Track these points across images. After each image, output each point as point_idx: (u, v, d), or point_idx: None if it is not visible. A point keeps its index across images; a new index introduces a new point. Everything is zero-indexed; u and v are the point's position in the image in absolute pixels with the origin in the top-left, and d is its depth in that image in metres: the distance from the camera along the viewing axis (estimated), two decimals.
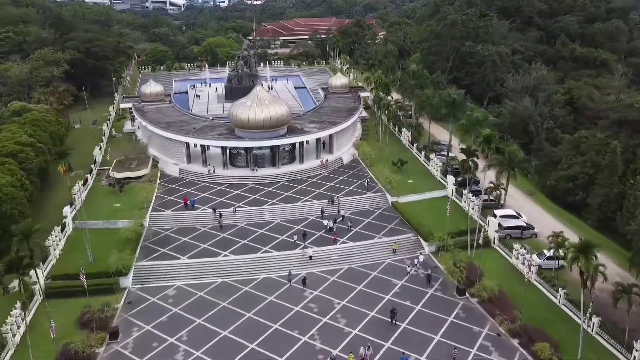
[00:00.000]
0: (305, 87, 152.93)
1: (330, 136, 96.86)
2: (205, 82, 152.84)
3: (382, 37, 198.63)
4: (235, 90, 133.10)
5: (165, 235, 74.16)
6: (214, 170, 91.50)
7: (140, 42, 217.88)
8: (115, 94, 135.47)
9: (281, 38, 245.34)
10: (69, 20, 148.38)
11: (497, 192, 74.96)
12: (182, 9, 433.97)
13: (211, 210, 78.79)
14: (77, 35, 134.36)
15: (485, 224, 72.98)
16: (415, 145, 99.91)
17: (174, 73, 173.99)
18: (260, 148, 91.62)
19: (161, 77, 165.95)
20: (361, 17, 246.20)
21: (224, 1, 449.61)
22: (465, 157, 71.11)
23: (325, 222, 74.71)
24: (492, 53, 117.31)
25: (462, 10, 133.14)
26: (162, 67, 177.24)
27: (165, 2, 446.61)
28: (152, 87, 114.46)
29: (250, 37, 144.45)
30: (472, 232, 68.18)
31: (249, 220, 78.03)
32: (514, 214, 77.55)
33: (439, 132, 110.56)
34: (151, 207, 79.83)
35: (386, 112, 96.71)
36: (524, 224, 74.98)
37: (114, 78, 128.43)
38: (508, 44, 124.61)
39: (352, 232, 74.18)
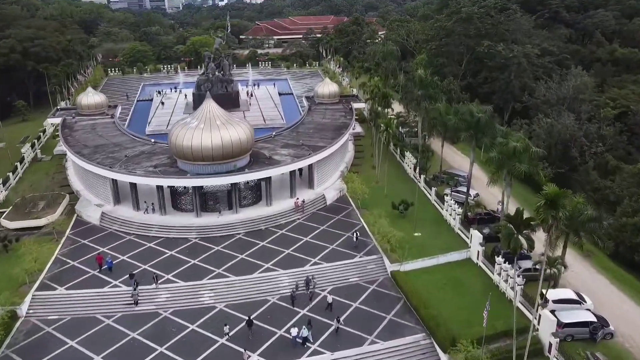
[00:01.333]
0: (291, 94, 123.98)
1: (310, 166, 68.15)
2: (176, 88, 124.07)
3: (382, 36, 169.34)
4: (203, 100, 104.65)
5: (45, 335, 45.69)
6: (152, 210, 63.24)
7: (123, 41, 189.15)
8: (64, 103, 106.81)
9: (275, 37, 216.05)
10: (7, 15, 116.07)
11: (554, 269, 46.10)
12: (180, 7, 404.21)
13: (131, 281, 50.68)
14: (15, 33, 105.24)
15: (534, 315, 44.53)
16: (423, 176, 71.02)
17: (146, 76, 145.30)
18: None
19: (129, 81, 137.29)
20: (360, 15, 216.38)
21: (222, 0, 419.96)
22: (512, 228, 41.10)
23: (293, 331, 44.71)
24: (518, 54, 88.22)
25: (478, 2, 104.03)
26: (134, 69, 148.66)
27: (164, 0, 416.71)
28: (90, 97, 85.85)
29: (221, 35, 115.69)
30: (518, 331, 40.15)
31: (179, 303, 49.49)
32: (574, 296, 48.85)
33: (455, 157, 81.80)
34: (39, 281, 51.48)
35: (385, 133, 67.41)
36: (593, 317, 46.19)
37: (63, 84, 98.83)
38: (535, 43, 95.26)
39: (338, 329, 45.59)
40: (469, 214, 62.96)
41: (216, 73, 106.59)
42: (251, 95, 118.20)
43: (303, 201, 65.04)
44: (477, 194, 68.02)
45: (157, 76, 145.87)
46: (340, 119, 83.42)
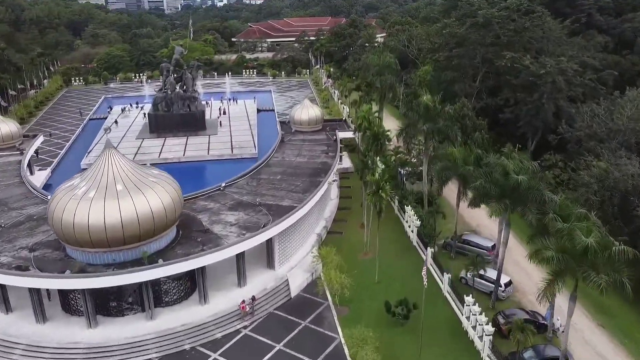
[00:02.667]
0: (272, 110, 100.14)
1: (270, 239, 44.39)
2: (137, 103, 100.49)
3: (381, 39, 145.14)
4: (162, 120, 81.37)
5: None
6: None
7: (109, 44, 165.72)
8: None
9: (269, 40, 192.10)
10: None
11: None
12: (180, 8, 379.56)
13: None
14: None
15: None
16: (430, 250, 47.21)
17: (113, 87, 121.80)
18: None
19: (91, 93, 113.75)
20: (358, 16, 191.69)
21: (222, 0, 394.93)
22: None
23: None
24: (552, 70, 64.19)
25: (498, 3, 79.69)
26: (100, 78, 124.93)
27: (162, 1, 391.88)
28: None
29: (182, 44, 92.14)
30: None
31: None
32: None
33: (475, 213, 57.66)
34: None
35: (375, 197, 43.05)
36: None
37: None
38: (570, 54, 71.02)
39: None
40: (500, 319, 39.44)
41: (177, 89, 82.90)
42: (224, 112, 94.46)
43: (253, 299, 41.42)
44: (510, 283, 44.28)
45: (126, 86, 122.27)
46: (320, 157, 59.72)
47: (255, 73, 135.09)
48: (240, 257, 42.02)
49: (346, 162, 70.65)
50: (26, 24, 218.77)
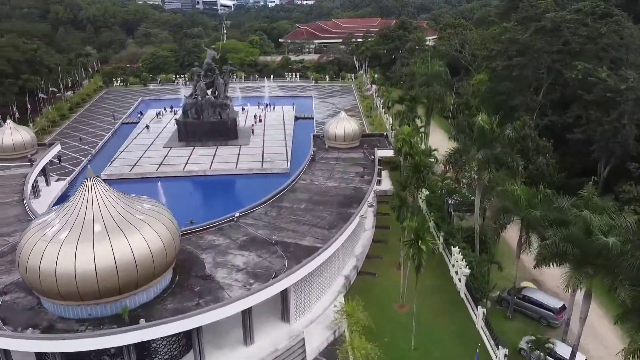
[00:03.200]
0: (311, 118, 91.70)
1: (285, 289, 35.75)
2: (172, 107, 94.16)
3: (431, 42, 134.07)
4: (192, 128, 74.27)
5: None
6: None
7: (161, 44, 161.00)
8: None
9: (316, 41, 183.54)
10: None
11: None
12: (232, 8, 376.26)
13: None
14: None
15: None
16: (482, 308, 37.31)
17: (152, 89, 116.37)
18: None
19: (129, 95, 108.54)
20: (408, 18, 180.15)
21: (274, 1, 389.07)
22: None
23: None
24: (635, 85, 52.60)
25: (569, 4, 68.05)
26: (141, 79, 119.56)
27: (216, 1, 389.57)
28: (7, 135, 56.25)
29: (214, 47, 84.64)
30: None
31: None
32: None
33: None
34: None
35: (412, 249, 33.42)
36: None
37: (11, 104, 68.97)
38: None
39: None
40: None
41: (208, 95, 75.60)
42: (259, 120, 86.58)
43: None
44: None
45: (165, 89, 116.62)
46: (354, 181, 50.56)
47: (297, 76, 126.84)
48: (247, 313, 33.60)
49: (386, 183, 61.21)
50: (82, 23, 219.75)
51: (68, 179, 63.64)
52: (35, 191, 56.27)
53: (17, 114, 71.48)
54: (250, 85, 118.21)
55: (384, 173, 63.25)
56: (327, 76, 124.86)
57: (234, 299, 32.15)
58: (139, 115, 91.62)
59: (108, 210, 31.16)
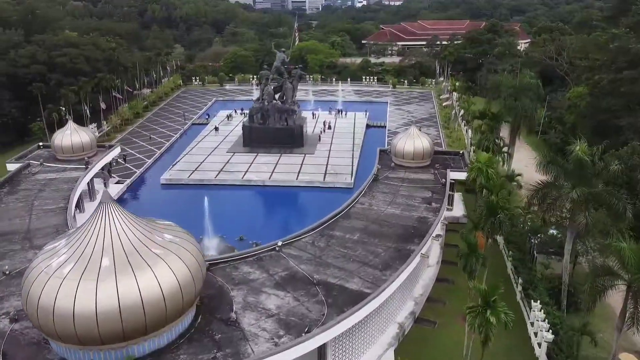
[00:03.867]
0: (384, 127, 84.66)
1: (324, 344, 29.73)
2: (241, 109, 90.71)
3: (523, 47, 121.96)
4: (257, 134, 70.01)
5: None
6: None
7: (246, 43, 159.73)
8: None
9: (399, 43, 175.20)
10: (44, 17, 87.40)
11: None
12: (320, 9, 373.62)
13: None
14: (46, 38, 76.46)
15: None
16: None
17: (229, 89, 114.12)
18: None
19: (205, 95, 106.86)
20: (499, 20, 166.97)
21: (361, 1, 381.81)
22: None
23: None
24: None
25: None
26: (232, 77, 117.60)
27: (305, 1, 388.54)
28: (67, 136, 54.25)
29: (283, 50, 79.20)
30: None
31: None
32: None
33: None
34: None
35: (481, 317, 26.09)
36: None
37: (62, 106, 68.32)
38: None
39: None
40: None
41: (275, 100, 70.88)
42: (329, 127, 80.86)
43: None
44: None
45: (240, 89, 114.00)
46: (419, 209, 43.34)
47: (375, 80, 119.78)
48: None
49: (458, 209, 53.22)
50: (176, 22, 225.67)
51: (127, 181, 61.22)
52: (92, 194, 54.04)
53: (88, 113, 70.29)
54: (325, 88, 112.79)
55: (457, 196, 55.24)
56: (405, 81, 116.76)
57: (257, 357, 26.44)
58: (206, 117, 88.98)
59: (120, 241, 26.54)
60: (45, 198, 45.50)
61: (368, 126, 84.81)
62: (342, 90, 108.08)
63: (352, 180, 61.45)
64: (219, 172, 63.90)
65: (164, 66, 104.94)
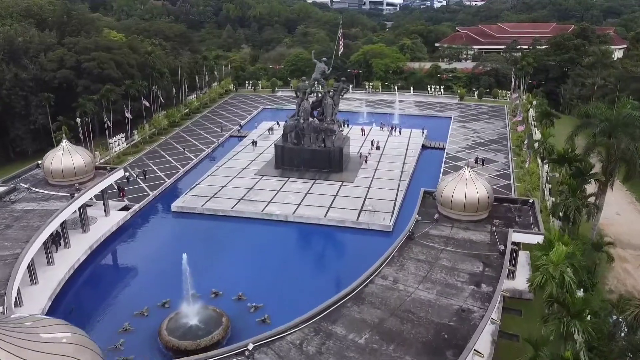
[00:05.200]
0: (442, 149, 70.97)
1: None
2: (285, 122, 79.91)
3: (618, 54, 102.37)
4: (289, 155, 59.18)
5: None
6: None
7: (316, 43, 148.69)
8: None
9: (476, 47, 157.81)
10: (79, 19, 78.38)
11: None
12: (398, 8, 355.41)
13: None
14: (72, 41, 69.15)
15: None
16: None
17: (281, 95, 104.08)
18: None
19: (254, 101, 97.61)
20: (592, 22, 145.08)
21: (440, 1, 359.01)
22: None
23: None
24: None
25: None
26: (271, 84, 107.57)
27: (382, 1, 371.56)
28: (58, 158, 45.84)
29: (325, 59, 66.51)
30: None
31: None
32: None
33: None
34: None
35: None
36: None
37: (77, 118, 60.42)
38: None
39: None
40: None
41: (312, 118, 59.68)
42: (377, 147, 68.53)
43: None
44: None
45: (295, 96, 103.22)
46: (463, 294, 30.39)
47: (441, 90, 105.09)
48: None
49: (522, 276, 39.24)
50: (249, 21, 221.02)
51: (136, 206, 52.48)
52: (84, 224, 45.60)
53: (110, 123, 62.52)
54: (383, 98, 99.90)
55: (523, 255, 41.25)
56: (476, 92, 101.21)
57: None
58: (238, 128, 79.09)
59: None
60: (7, 238, 37.08)
61: (424, 147, 71.53)
62: (401, 101, 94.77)
63: (392, 223, 49.03)
64: (238, 201, 53.69)
65: (212, 70, 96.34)
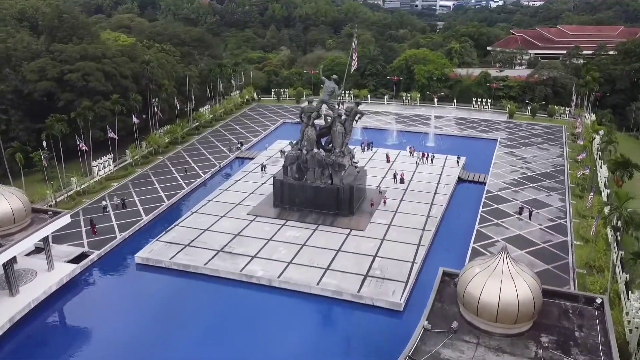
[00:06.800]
0: (483, 183, 56.38)
1: None
2: None
3: None
4: (289, 192, 46.64)
5: None
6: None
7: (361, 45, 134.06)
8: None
9: (532, 52, 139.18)
10: (71, 23, 65.13)
11: None
12: (451, 8, 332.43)
13: None
14: (64, 48, 58.73)
15: None
16: None
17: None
18: None
19: (277, 113, 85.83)
20: None
21: (497, 1, 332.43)
22: None
23: None
24: None
25: None
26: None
27: (435, 1, 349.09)
28: None
29: (335, 77, 52.63)
30: None
31: None
32: None
33: None
34: None
35: None
36: None
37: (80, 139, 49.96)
38: None
39: None
40: None
41: (316, 149, 47.03)
42: (401, 180, 54.99)
43: None
44: None
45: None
46: None
47: (489, 103, 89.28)
48: None
49: None
50: (295, 21, 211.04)
51: (94, 254, 41.81)
52: (13, 286, 35.25)
53: (81, 147, 52.10)
54: (419, 113, 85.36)
55: None
56: (529, 107, 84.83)
57: None
58: (239, 145, 67.03)
59: None
60: None
61: (460, 180, 57.23)
62: (439, 117, 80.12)
63: (404, 299, 35.78)
64: (216, 253, 41.99)
65: (229, 78, 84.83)
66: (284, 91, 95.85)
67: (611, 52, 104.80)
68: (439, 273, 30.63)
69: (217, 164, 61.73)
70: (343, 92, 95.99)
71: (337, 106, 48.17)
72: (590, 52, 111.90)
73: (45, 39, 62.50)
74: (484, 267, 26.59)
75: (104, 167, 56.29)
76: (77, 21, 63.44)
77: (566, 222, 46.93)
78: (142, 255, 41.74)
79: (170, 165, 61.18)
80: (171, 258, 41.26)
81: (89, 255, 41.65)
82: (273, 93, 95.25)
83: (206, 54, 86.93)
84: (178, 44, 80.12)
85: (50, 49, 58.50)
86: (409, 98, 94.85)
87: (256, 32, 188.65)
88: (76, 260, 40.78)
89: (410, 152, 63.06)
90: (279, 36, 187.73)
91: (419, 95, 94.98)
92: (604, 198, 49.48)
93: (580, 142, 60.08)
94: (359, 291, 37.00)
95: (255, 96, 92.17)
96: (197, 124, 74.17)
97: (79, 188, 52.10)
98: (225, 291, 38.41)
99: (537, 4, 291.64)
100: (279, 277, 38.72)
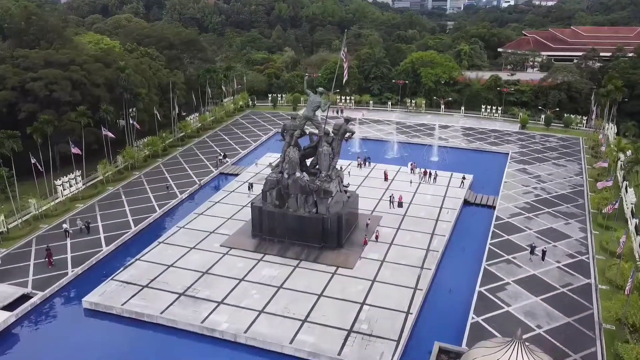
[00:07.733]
0: (492, 207, 48.73)
1: None
2: None
3: None
4: (269, 221, 39.32)
5: None
6: None
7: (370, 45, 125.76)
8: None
9: (544, 54, 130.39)
10: (40, 25, 58.24)
11: None
12: (462, 8, 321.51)
13: None
14: (27, 54, 51.95)
15: None
16: None
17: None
18: None
19: (270, 121, 78.84)
20: None
21: (508, 1, 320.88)
22: None
23: None
24: None
25: None
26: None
27: (446, 0, 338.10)
28: None
29: (321, 89, 45.63)
30: None
31: None
32: None
33: None
34: None
35: None
36: None
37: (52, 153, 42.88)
38: None
39: None
40: None
41: (299, 174, 39.87)
42: (400, 204, 47.81)
43: None
44: None
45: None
46: None
47: (499, 111, 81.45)
48: None
49: None
50: (301, 21, 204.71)
51: (36, 297, 35.25)
52: None
53: (38, 166, 45.58)
54: (424, 122, 77.76)
55: None
56: (542, 116, 76.88)
57: None
58: (220, 158, 59.91)
59: None
60: None
61: (466, 203, 49.78)
62: (444, 127, 72.58)
63: None
64: (177, 297, 35.18)
65: (219, 84, 77.69)
66: (281, 97, 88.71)
67: (630, 55, 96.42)
68: (434, 350, 23.40)
69: (197, 182, 54.87)
70: (343, 98, 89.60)
71: (323, 125, 40.90)
72: (607, 54, 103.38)
73: (10, 44, 56.05)
74: (495, 353, 19.35)
75: (70, 186, 49.72)
76: (47, 23, 56.82)
77: (588, 258, 39.44)
78: (91, 300, 35.04)
79: (145, 183, 54.44)
80: (124, 304, 34.51)
81: (31, 298, 35.09)
82: (269, 99, 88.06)
83: (197, 58, 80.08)
84: (166, 48, 73.41)
85: (13, 54, 52.05)
86: (414, 104, 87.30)
87: (262, 32, 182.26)
88: (14, 304, 34.24)
89: (411, 169, 55.67)
90: (284, 36, 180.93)
91: (424, 102, 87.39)
92: (631, 228, 41.78)
93: (604, 164, 51.95)
94: (339, 353, 29.94)
95: (249, 102, 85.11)
96: (182, 134, 67.46)
97: (37, 212, 45.61)
98: (184, 345, 31.64)
99: (550, 3, 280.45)
100: (245, 331, 31.80)
